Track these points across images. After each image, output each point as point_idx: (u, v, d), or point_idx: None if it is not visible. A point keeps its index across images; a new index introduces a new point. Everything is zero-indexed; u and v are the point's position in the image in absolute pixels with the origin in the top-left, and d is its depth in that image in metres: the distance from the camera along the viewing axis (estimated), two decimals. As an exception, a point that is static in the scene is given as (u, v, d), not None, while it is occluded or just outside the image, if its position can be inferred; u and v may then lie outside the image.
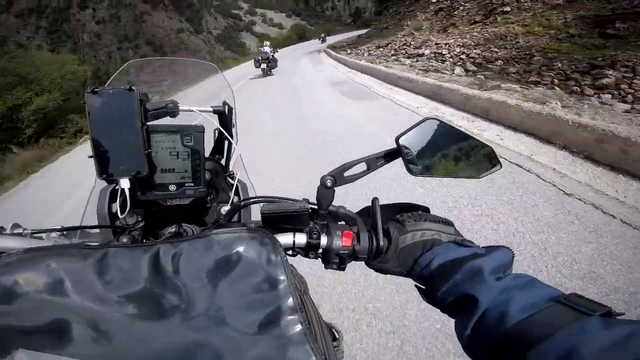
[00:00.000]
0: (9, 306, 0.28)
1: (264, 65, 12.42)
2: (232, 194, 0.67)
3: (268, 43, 13.62)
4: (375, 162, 0.48)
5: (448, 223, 0.46)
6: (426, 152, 0.48)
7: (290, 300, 0.32)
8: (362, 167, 0.48)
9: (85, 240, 0.58)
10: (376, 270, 0.48)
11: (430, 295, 0.41)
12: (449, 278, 0.38)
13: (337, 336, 0.48)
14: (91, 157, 0.47)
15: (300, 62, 16.96)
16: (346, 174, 0.48)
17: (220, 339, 0.29)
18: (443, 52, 8.47)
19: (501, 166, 0.51)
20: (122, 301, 0.31)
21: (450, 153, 0.49)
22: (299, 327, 0.31)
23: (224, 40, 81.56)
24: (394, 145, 0.47)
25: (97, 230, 0.59)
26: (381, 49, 12.37)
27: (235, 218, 0.64)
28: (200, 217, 0.63)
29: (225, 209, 0.63)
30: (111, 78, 0.75)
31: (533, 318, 0.30)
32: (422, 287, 0.43)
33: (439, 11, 13.13)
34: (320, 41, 32.87)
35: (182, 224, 0.56)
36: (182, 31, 76.50)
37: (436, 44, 9.51)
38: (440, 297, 0.39)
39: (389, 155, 0.48)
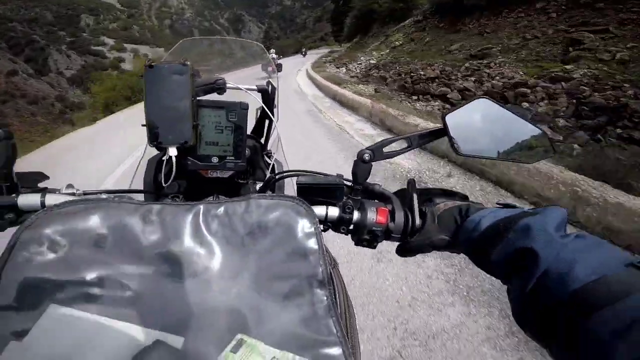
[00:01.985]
0: (49, 258, 0.30)
1: (269, 68, 12.71)
2: (268, 172, 0.69)
3: (273, 50, 16.57)
4: (417, 139, 0.49)
5: (482, 204, 0.46)
6: (474, 132, 0.48)
7: (320, 273, 0.33)
8: (403, 144, 0.49)
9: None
10: (413, 251, 0.46)
11: (482, 258, 0.39)
12: (502, 236, 0.36)
13: None
14: (144, 125, 0.49)
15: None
16: (385, 149, 0.49)
17: (246, 305, 0.30)
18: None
19: (555, 152, 0.50)
20: (159, 259, 0.32)
21: (501, 135, 0.49)
22: (324, 301, 0.32)
23: (80, 82, 69.81)
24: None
25: (142, 196, 0.62)
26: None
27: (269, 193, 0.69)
28: (236, 191, 0.65)
29: (260, 185, 0.66)
30: (166, 55, 0.84)
31: (603, 280, 0.27)
32: (472, 253, 0.41)
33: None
34: (302, 55, 31.64)
35: (219, 196, 0.56)
36: (16, 74, 62.62)
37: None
38: (494, 259, 0.37)
39: (434, 134, 0.49)
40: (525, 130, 0.48)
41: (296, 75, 14.74)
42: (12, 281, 0.28)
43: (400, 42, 13.60)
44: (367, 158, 0.48)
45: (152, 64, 0.49)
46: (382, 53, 13.83)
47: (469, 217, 0.41)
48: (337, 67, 15.46)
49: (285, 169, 0.75)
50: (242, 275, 0.32)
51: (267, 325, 0.30)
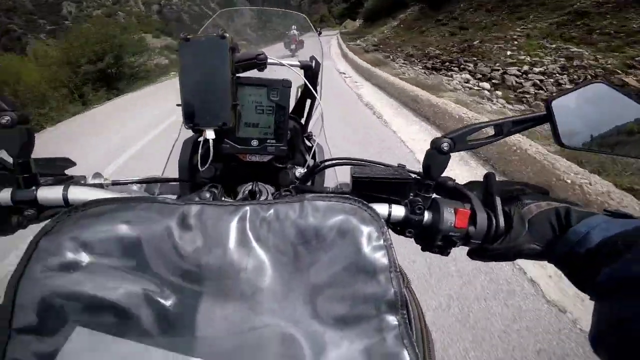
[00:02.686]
0: (74, 271, 0.26)
1: (292, 46, 9.64)
2: (308, 157, 0.64)
3: (295, 26, 11.02)
4: (510, 126, 0.42)
5: (575, 202, 0.41)
6: (584, 122, 0.43)
7: (391, 293, 0.28)
8: (491, 131, 0.43)
9: (165, 193, 0.58)
10: (493, 257, 0.41)
11: (583, 276, 0.35)
12: (618, 256, 0.31)
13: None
14: (179, 105, 0.45)
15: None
16: (469, 137, 0.42)
17: (301, 331, 0.26)
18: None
19: None
20: (199, 273, 0.27)
21: (618, 126, 0.42)
22: (397, 328, 0.27)
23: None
24: None
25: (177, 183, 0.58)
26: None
27: (310, 183, 0.63)
28: (275, 177, 0.60)
29: (300, 171, 0.60)
30: (203, 27, 0.78)
31: None
32: (569, 269, 0.36)
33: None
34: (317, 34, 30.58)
35: (258, 183, 0.55)
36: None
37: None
38: (601, 280, 0.32)
39: (532, 120, 0.42)
40: None
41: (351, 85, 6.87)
42: (30, 298, 0.24)
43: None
44: (445, 148, 0.40)
45: (188, 36, 0.44)
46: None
47: (572, 227, 0.36)
48: (433, 71, 7.00)
49: (326, 153, 0.71)
50: (296, 295, 0.28)
51: (327, 356, 0.25)
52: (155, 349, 0.24)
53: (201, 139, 0.46)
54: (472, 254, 0.42)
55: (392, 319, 0.27)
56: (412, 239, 0.44)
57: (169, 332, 0.25)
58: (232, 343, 0.25)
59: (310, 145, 0.66)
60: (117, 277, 0.26)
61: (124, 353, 0.23)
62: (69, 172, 0.48)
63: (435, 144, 0.41)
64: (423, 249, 0.44)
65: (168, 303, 0.26)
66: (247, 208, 0.30)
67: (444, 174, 0.43)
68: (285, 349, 0.25)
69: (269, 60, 0.53)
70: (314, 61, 0.62)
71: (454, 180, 0.45)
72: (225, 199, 0.48)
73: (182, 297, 0.26)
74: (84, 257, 0.26)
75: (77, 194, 0.40)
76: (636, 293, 0.28)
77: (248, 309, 0.26)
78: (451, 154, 0.41)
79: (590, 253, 0.33)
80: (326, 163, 0.53)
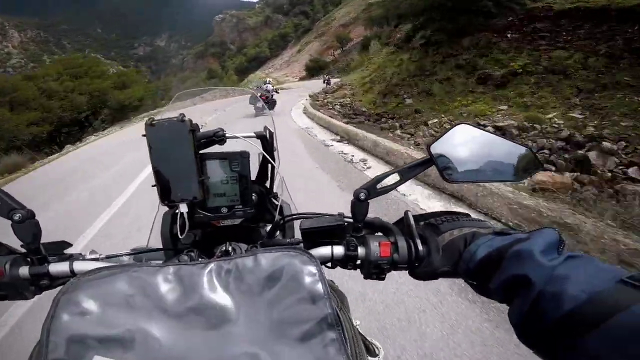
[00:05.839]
0: (88, 317, 0.34)
1: (259, 104, 5.67)
2: (276, 214, 0.72)
3: (270, 80, 13.71)
4: (408, 172, 0.52)
5: (485, 222, 0.49)
6: (461, 158, 0.50)
7: (328, 315, 0.35)
8: (395, 177, 0.52)
9: (151, 259, 0.66)
10: (421, 278, 0.50)
11: (480, 286, 0.43)
12: (496, 266, 0.39)
13: (377, 352, 0.55)
14: (154, 185, 0.52)
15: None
16: (379, 186, 0.51)
17: (264, 351, 0.33)
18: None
19: (542, 167, 0.60)
20: (182, 314, 0.35)
21: (487, 157, 0.50)
22: (335, 342, 0.34)
23: None
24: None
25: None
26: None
27: (280, 235, 0.72)
28: (248, 235, 0.69)
29: (269, 227, 0.69)
30: (164, 108, 0.90)
31: (594, 298, 0.30)
32: (473, 282, 0.44)
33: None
34: (324, 83, 21.54)
35: (232, 243, 0.62)
36: None
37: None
38: (492, 287, 0.40)
39: (422, 165, 0.51)
40: (510, 149, 0.50)
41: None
42: (59, 337, 0.32)
43: None
44: (362, 197, 0.50)
45: (153, 122, 0.50)
46: None
47: (467, 248, 0.44)
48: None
49: (292, 208, 0.80)
50: (257, 324, 0.35)
51: None
52: None
53: (178, 211, 0.53)
54: (411, 275, 0.50)
55: (331, 335, 0.34)
56: (357, 270, 0.52)
57: (162, 357, 0.32)
58: None
59: (277, 203, 0.75)
60: (121, 320, 0.34)
61: None
62: (68, 251, 0.58)
63: (354, 194, 0.51)
64: (365, 277, 0.52)
65: (159, 336, 0.33)
66: (213, 264, 0.39)
67: (371, 215, 0.52)
68: None
69: (227, 135, 0.60)
70: (267, 131, 0.71)
71: (380, 218, 0.55)
72: (202, 259, 0.54)
73: (169, 331, 0.34)
74: (94, 307, 0.35)
75: (80, 265, 0.51)
76: (518, 293, 0.36)
77: (220, 337, 0.34)
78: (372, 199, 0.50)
79: (479, 267, 0.41)
80: (284, 219, 0.64)
